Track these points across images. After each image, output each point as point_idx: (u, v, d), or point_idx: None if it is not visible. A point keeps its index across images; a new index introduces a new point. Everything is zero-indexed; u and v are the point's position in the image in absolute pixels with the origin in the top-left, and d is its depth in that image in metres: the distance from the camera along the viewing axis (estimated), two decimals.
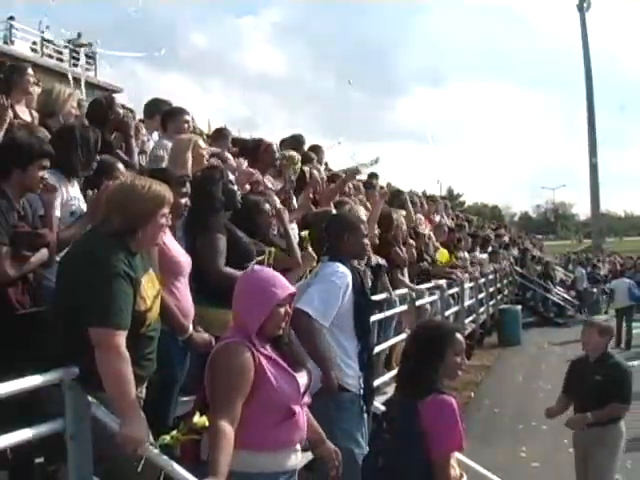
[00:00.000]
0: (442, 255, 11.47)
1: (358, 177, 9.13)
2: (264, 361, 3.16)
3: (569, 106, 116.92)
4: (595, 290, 21.74)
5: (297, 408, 3.24)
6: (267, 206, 5.38)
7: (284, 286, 3.29)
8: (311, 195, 7.01)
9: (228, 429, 2.97)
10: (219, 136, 7.36)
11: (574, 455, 6.01)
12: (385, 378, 7.53)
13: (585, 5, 60.92)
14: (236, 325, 3.26)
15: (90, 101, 5.79)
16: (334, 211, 6.79)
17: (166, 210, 3.43)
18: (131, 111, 7.50)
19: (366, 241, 4.85)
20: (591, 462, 5.77)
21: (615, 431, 5.76)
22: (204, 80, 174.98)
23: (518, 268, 23.59)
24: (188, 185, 4.40)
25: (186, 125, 6.07)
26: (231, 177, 5.24)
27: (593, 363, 5.95)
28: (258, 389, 3.11)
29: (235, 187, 5.18)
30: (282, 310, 3.25)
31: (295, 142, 8.51)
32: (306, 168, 7.42)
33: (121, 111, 5.54)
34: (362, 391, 4.54)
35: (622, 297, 19.34)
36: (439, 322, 4.22)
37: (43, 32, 31.00)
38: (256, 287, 3.24)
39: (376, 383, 6.89)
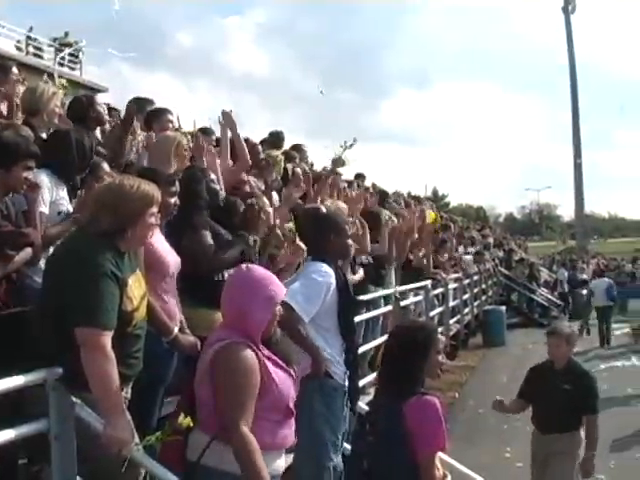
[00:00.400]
0: (430, 216, 11.38)
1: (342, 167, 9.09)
2: (266, 361, 3.16)
3: (554, 107, 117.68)
4: (585, 292, 22.04)
5: (293, 407, 3.26)
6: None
7: (280, 285, 3.31)
8: (297, 194, 7.00)
9: (252, 437, 2.97)
10: (202, 135, 7.34)
11: (532, 462, 5.89)
12: (370, 378, 7.55)
13: (570, 7, 61.20)
14: (230, 324, 3.21)
15: (71, 100, 5.74)
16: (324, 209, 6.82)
17: (155, 209, 3.43)
18: (116, 110, 7.48)
19: (350, 242, 4.89)
20: (550, 469, 5.68)
21: (576, 437, 5.69)
22: (190, 80, 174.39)
23: (503, 269, 23.68)
24: (177, 184, 4.39)
25: (170, 125, 6.05)
26: (212, 176, 5.24)
27: (560, 371, 5.82)
28: (264, 390, 3.10)
29: (217, 186, 5.18)
30: (278, 309, 3.27)
31: (275, 139, 8.43)
32: (289, 165, 7.42)
33: (101, 109, 5.52)
34: (347, 389, 4.58)
35: (601, 297, 19.82)
36: (421, 322, 4.23)
37: (31, 30, 30.83)
38: (257, 287, 3.21)
39: (361, 383, 6.93)
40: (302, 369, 4.30)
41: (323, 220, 5.01)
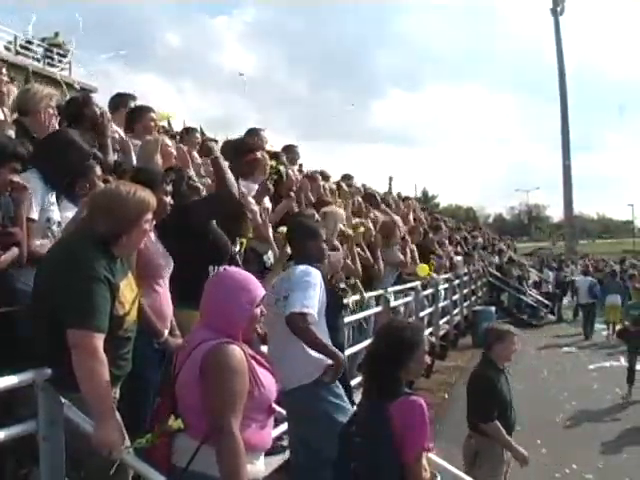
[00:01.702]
0: (422, 269, 11.29)
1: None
2: (252, 361, 3.15)
3: (544, 108, 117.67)
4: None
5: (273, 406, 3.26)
6: None
7: (259, 286, 3.31)
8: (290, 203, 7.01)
9: (241, 442, 2.95)
10: (186, 134, 7.38)
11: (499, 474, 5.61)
12: (360, 379, 7.55)
13: (559, 9, 61.37)
14: (210, 325, 3.18)
15: (67, 99, 5.71)
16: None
17: (150, 216, 3.46)
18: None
19: (325, 246, 4.96)
20: (477, 470, 5.47)
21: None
22: (178, 80, 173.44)
23: (492, 270, 23.74)
24: (171, 184, 4.41)
25: (152, 123, 5.97)
26: (191, 173, 5.24)
27: (504, 368, 5.79)
28: (251, 390, 3.08)
29: (199, 185, 5.16)
30: (258, 311, 3.26)
31: (252, 132, 8.23)
32: (282, 168, 7.41)
33: (98, 110, 5.48)
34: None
35: (584, 294, 21.48)
36: (407, 322, 4.24)
37: (26, 33, 30.78)
38: (236, 287, 3.21)
39: (351, 384, 6.94)
40: (288, 380, 4.32)
41: (299, 226, 5.08)
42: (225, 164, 5.04)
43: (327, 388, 4.49)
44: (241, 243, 5.38)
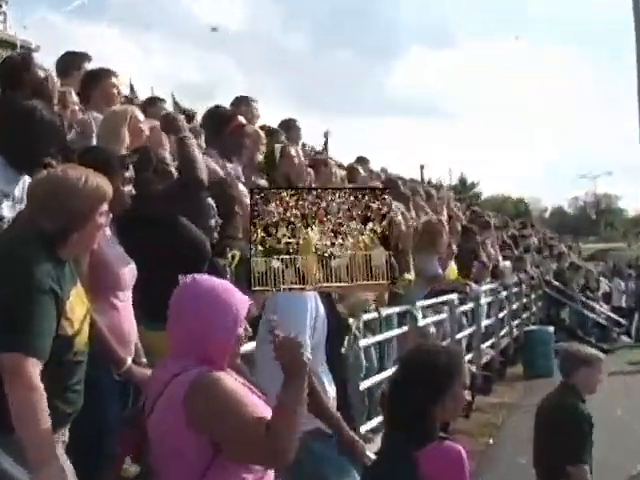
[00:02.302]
0: (451, 272, 11.34)
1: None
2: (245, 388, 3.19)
3: (620, 72, 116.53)
4: None
5: None
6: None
7: (241, 296, 3.26)
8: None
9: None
10: (151, 105, 7.35)
11: None
12: (379, 419, 7.56)
13: None
14: (182, 354, 3.16)
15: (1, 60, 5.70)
16: None
17: (105, 207, 3.45)
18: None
19: None
20: None
21: None
22: (143, 35, 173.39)
23: (550, 278, 23.71)
24: (132, 169, 4.40)
25: (114, 90, 5.95)
26: (165, 154, 5.26)
27: None
28: None
29: (172, 169, 5.18)
30: (242, 330, 3.22)
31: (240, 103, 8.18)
32: (278, 145, 7.41)
33: (41, 72, 5.49)
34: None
35: None
36: (442, 346, 4.23)
37: None
38: (216, 302, 3.16)
39: (368, 427, 6.94)
40: None
41: None
42: (194, 145, 5.05)
43: (320, 439, 4.47)
44: (232, 256, 5.36)
